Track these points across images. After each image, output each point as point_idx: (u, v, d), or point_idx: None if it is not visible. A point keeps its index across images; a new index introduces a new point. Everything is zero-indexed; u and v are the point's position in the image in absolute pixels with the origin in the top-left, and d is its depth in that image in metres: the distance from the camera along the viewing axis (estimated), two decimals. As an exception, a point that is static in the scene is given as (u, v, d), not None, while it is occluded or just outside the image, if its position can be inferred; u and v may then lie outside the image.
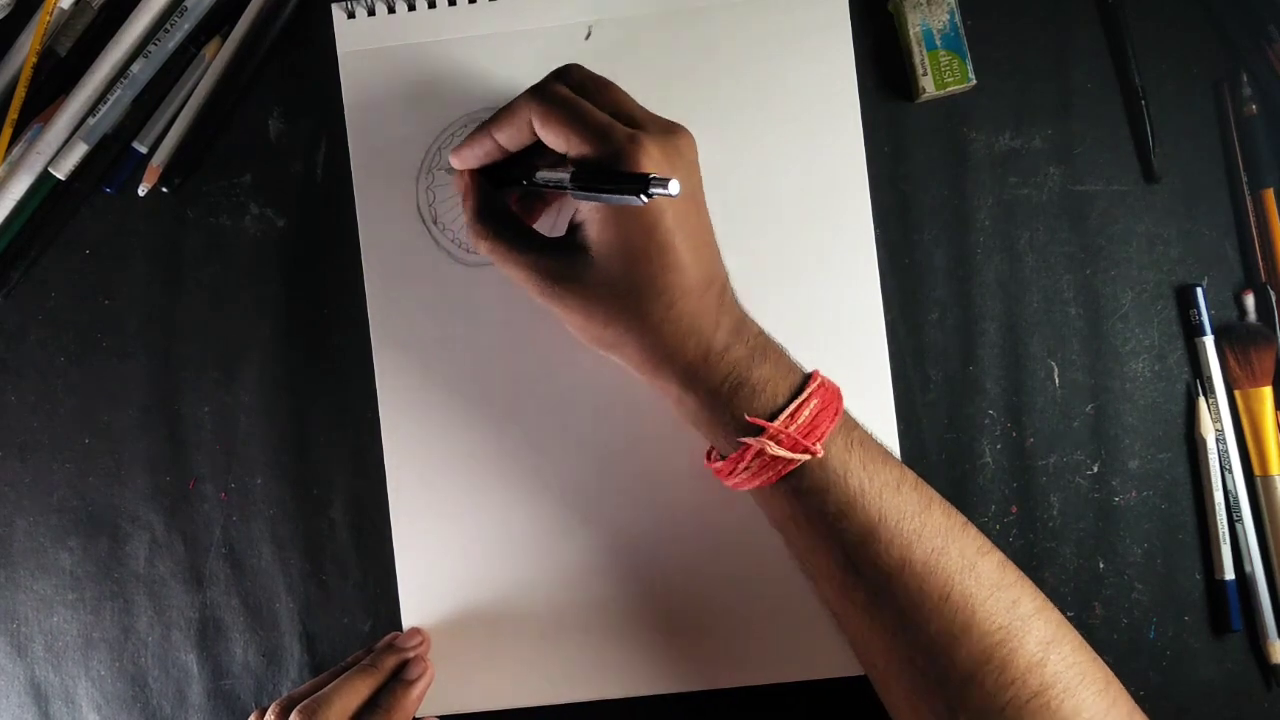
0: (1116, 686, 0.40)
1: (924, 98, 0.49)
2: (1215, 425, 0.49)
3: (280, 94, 0.51)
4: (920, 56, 0.49)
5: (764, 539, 0.49)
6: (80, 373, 0.51)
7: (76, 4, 0.51)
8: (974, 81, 0.49)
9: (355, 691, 0.45)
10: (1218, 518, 0.48)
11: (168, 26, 0.50)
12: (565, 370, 0.50)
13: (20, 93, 0.50)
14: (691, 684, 0.49)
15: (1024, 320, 0.50)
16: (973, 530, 0.42)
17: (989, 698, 0.38)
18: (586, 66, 0.43)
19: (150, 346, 0.51)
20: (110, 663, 0.51)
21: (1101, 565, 0.49)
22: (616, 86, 0.42)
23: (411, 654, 0.48)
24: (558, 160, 0.43)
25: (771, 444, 0.39)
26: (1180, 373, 0.50)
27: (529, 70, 0.50)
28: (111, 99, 0.50)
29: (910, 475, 0.42)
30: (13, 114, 0.50)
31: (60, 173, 0.50)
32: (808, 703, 0.49)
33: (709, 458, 0.44)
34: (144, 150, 0.51)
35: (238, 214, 0.51)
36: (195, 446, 0.51)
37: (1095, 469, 0.49)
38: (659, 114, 0.42)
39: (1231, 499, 0.49)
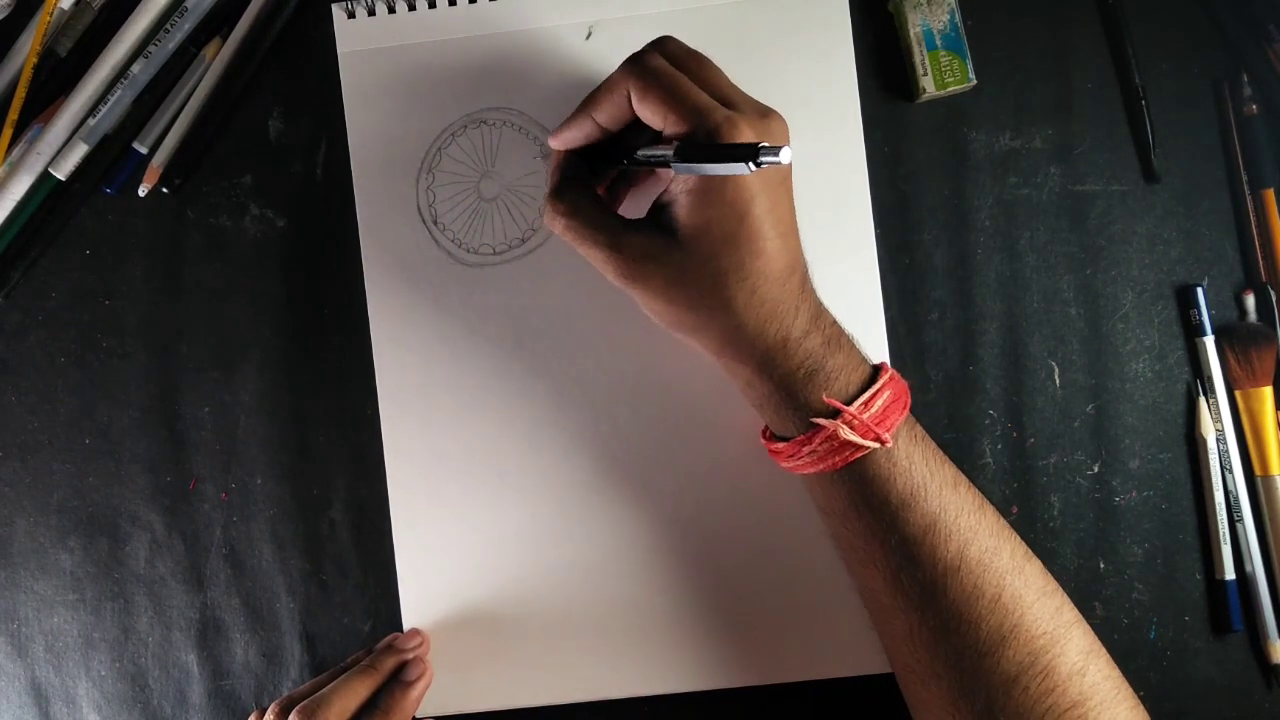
0: (1142, 710, 0.41)
1: (924, 98, 0.49)
2: (1216, 425, 0.49)
3: (280, 94, 0.51)
4: (920, 56, 0.49)
5: (766, 539, 0.49)
6: (80, 373, 0.51)
7: (77, 4, 0.51)
8: (974, 81, 0.49)
9: (354, 692, 0.45)
10: (1218, 518, 0.48)
11: (168, 27, 0.50)
12: (565, 370, 0.50)
13: (20, 93, 0.50)
14: (692, 684, 0.49)
15: (1024, 320, 0.50)
16: (1018, 536, 0.42)
17: (1030, 704, 0.38)
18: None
19: (150, 346, 0.51)
20: (110, 663, 0.51)
21: (1102, 565, 0.49)
22: (711, 63, 0.42)
23: (410, 655, 0.48)
24: (653, 142, 0.42)
25: (845, 428, 0.40)
26: (1180, 373, 0.50)
27: (529, 70, 0.50)
28: (112, 99, 0.50)
29: (964, 476, 0.42)
30: (13, 114, 0.50)
31: (60, 173, 0.50)
32: (809, 703, 0.49)
33: (766, 437, 0.44)
34: (144, 151, 0.51)
35: (238, 214, 0.51)
36: (195, 446, 0.51)
37: (1096, 469, 0.49)
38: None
39: (1232, 499, 0.49)
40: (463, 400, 0.50)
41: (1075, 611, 0.41)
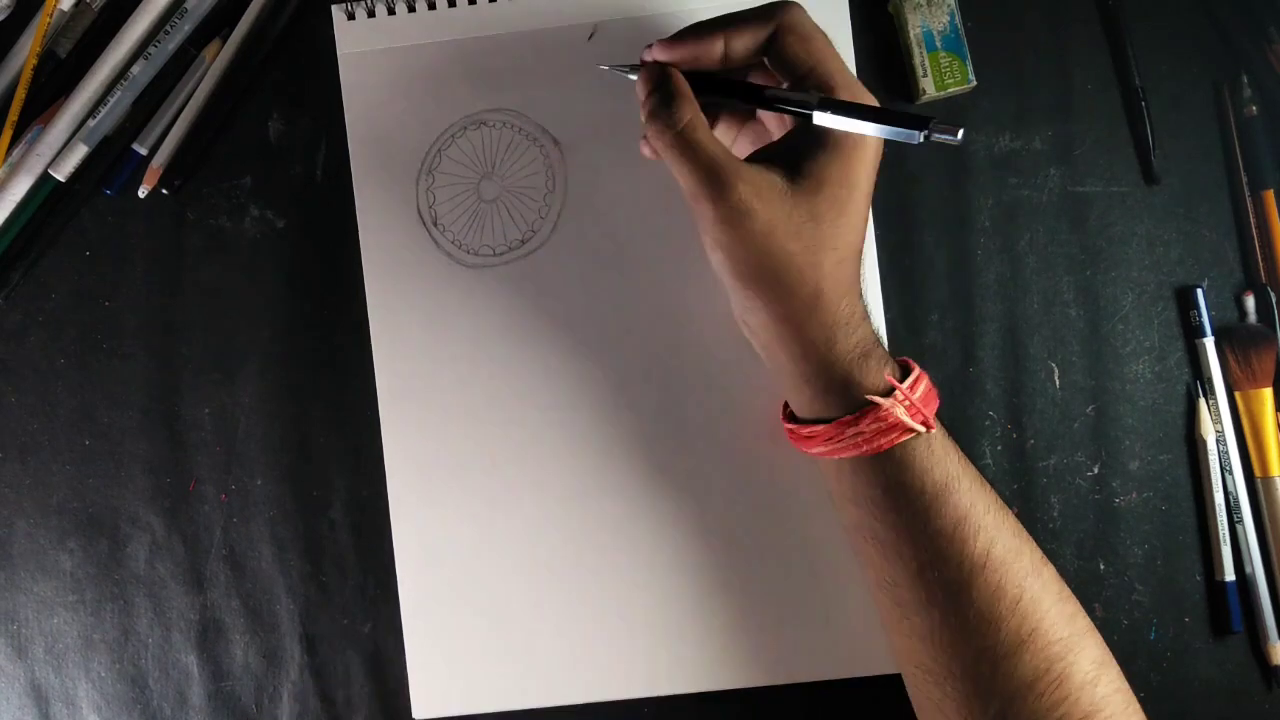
0: None
1: (924, 99, 0.49)
2: (1215, 426, 0.49)
3: (280, 95, 0.51)
4: (920, 58, 0.49)
5: (768, 540, 0.49)
6: (80, 374, 0.51)
7: (77, 6, 0.51)
8: (974, 82, 0.49)
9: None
10: (1218, 519, 0.48)
11: (168, 28, 0.50)
12: (566, 370, 0.50)
13: (20, 94, 0.50)
14: (693, 685, 0.49)
15: (1024, 321, 0.50)
16: (1033, 541, 0.42)
17: (1044, 711, 0.38)
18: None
19: (150, 347, 0.51)
20: (110, 664, 0.51)
21: (1102, 566, 0.49)
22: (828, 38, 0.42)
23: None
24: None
25: (900, 408, 0.40)
26: (1180, 374, 0.50)
27: (529, 71, 0.50)
28: (112, 101, 0.50)
29: (979, 473, 0.43)
30: (13, 115, 0.50)
31: (60, 174, 0.50)
32: (811, 704, 0.49)
33: (789, 419, 0.44)
34: (144, 152, 0.51)
35: (238, 215, 0.51)
36: (195, 447, 0.51)
37: (1095, 470, 0.49)
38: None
39: (1232, 500, 0.49)
40: (463, 401, 0.50)
41: (1088, 619, 0.41)
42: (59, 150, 0.50)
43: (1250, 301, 0.49)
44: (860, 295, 0.42)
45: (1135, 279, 0.50)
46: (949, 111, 0.50)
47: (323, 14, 0.51)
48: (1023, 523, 0.49)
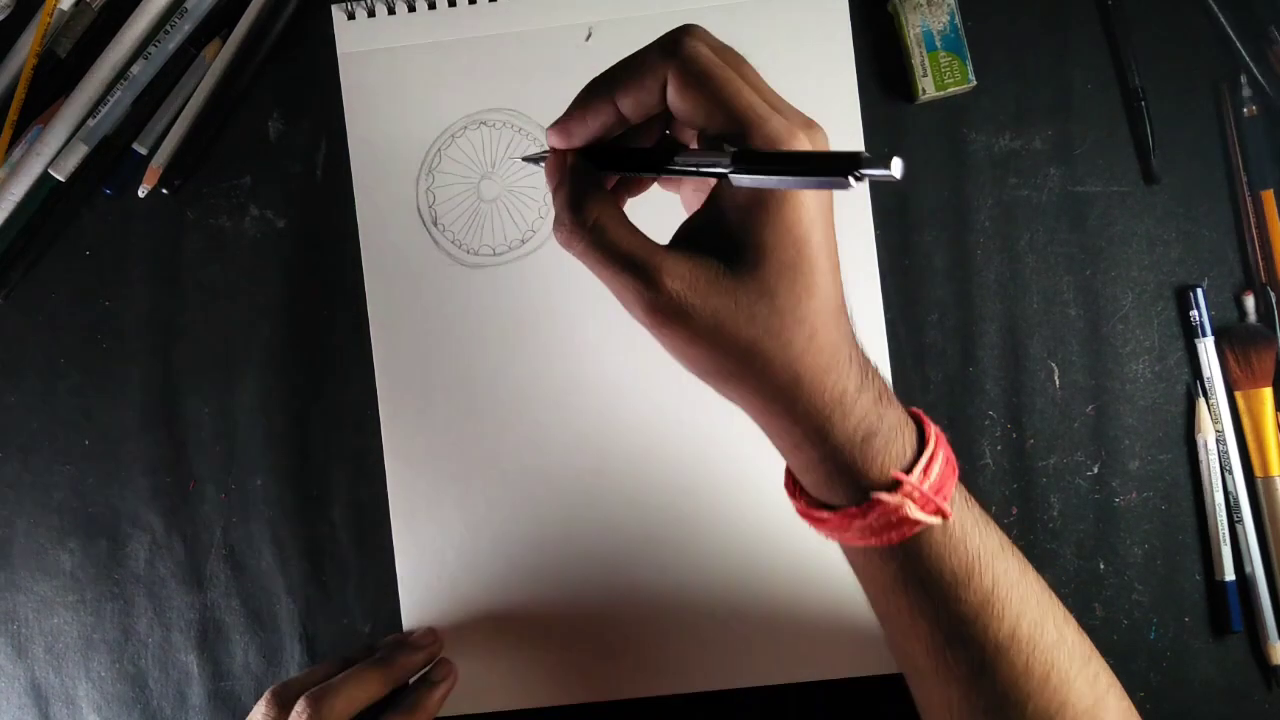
0: None
1: (924, 98, 0.49)
2: (1215, 426, 0.49)
3: (280, 95, 0.51)
4: (920, 57, 0.49)
5: (766, 541, 0.49)
6: (80, 373, 0.51)
7: (76, 5, 0.51)
8: (974, 82, 0.49)
9: (366, 684, 0.44)
10: (1218, 519, 0.48)
11: (168, 28, 0.50)
12: (565, 370, 0.50)
13: (20, 94, 0.50)
14: (692, 685, 0.49)
15: (1024, 321, 0.50)
16: (1054, 597, 0.40)
17: None
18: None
19: (150, 347, 0.51)
20: (110, 664, 0.51)
21: (1102, 566, 0.49)
22: (747, 61, 0.35)
23: (424, 651, 0.47)
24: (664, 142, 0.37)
25: (909, 504, 0.35)
26: (1180, 374, 0.50)
27: (529, 71, 0.50)
28: (111, 100, 0.50)
29: (1005, 535, 0.39)
30: (13, 115, 0.50)
31: (60, 174, 0.50)
32: (809, 703, 0.49)
33: (796, 496, 0.38)
34: (144, 152, 0.51)
35: (238, 215, 0.51)
36: (195, 447, 0.51)
37: (1095, 470, 0.49)
38: None
39: (1232, 500, 0.49)
40: (462, 400, 0.50)
41: (1109, 674, 0.39)
42: (59, 150, 0.50)
43: (1250, 301, 0.49)
44: (853, 359, 0.35)
45: (1135, 279, 0.50)
46: (949, 111, 0.50)
47: (323, 14, 0.51)
48: (1023, 522, 0.49)
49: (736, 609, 0.49)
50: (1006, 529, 0.49)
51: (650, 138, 0.37)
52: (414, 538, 0.50)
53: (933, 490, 0.35)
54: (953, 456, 0.37)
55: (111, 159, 0.51)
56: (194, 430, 0.51)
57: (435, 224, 0.50)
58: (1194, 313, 0.49)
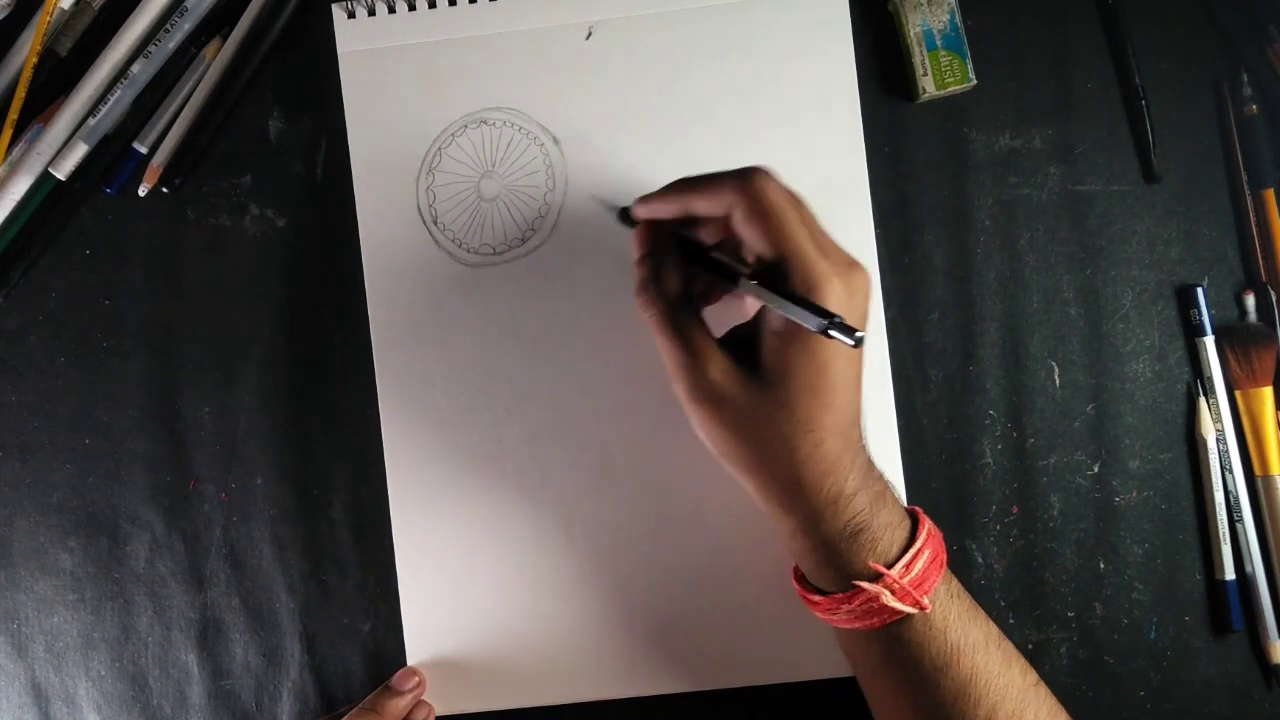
0: None
1: (924, 98, 0.49)
2: (1216, 425, 0.49)
3: (280, 94, 0.51)
4: (920, 56, 0.49)
5: (767, 539, 0.49)
6: (80, 373, 0.51)
7: (77, 4, 0.51)
8: (974, 81, 0.49)
9: None
10: (1218, 518, 0.48)
11: (168, 27, 0.50)
12: (566, 371, 0.50)
13: (20, 93, 0.50)
14: (691, 684, 0.49)
15: (1024, 320, 0.50)
16: (1043, 689, 0.42)
17: None
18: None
19: (150, 346, 0.51)
20: (110, 663, 0.51)
21: (1102, 565, 0.49)
22: (806, 206, 0.40)
23: (408, 696, 0.48)
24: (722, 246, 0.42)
25: (887, 594, 0.39)
26: (1181, 373, 0.50)
27: (529, 70, 0.50)
28: (112, 99, 0.50)
29: (994, 628, 0.42)
30: (13, 114, 0.50)
31: (60, 173, 0.50)
32: (807, 703, 0.49)
33: (798, 580, 0.44)
34: (144, 150, 0.51)
35: (238, 214, 0.51)
36: (195, 446, 0.51)
37: (1096, 469, 0.49)
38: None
39: (1232, 499, 0.49)
40: (463, 400, 0.50)
41: None
42: (59, 149, 0.50)
43: (1250, 300, 0.49)
44: (855, 464, 0.40)
45: (1135, 278, 0.50)
46: (949, 110, 0.50)
47: (323, 13, 0.51)
48: (1023, 522, 0.49)
49: (737, 607, 0.49)
50: (1006, 528, 0.49)
51: (715, 236, 0.43)
52: (414, 538, 0.50)
53: (913, 584, 0.39)
54: (942, 554, 0.41)
55: (112, 158, 0.51)
56: (194, 429, 0.51)
57: (435, 223, 0.50)
58: (1194, 312, 0.49)
